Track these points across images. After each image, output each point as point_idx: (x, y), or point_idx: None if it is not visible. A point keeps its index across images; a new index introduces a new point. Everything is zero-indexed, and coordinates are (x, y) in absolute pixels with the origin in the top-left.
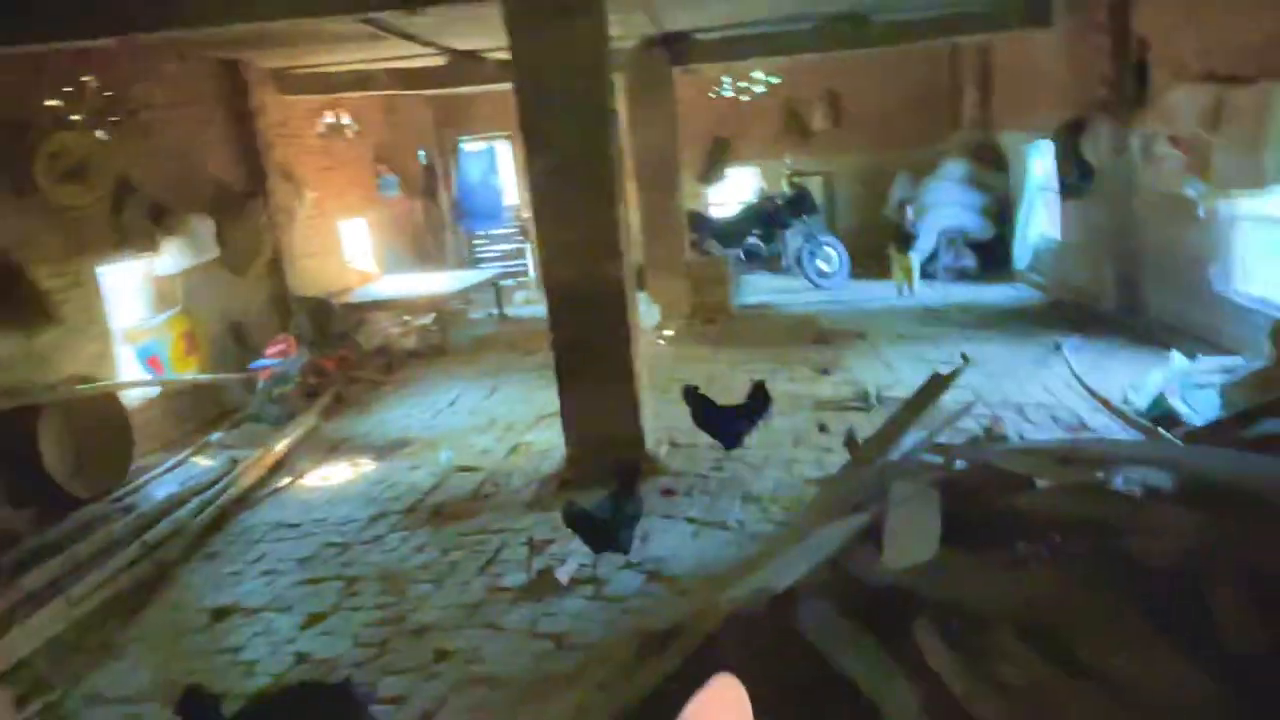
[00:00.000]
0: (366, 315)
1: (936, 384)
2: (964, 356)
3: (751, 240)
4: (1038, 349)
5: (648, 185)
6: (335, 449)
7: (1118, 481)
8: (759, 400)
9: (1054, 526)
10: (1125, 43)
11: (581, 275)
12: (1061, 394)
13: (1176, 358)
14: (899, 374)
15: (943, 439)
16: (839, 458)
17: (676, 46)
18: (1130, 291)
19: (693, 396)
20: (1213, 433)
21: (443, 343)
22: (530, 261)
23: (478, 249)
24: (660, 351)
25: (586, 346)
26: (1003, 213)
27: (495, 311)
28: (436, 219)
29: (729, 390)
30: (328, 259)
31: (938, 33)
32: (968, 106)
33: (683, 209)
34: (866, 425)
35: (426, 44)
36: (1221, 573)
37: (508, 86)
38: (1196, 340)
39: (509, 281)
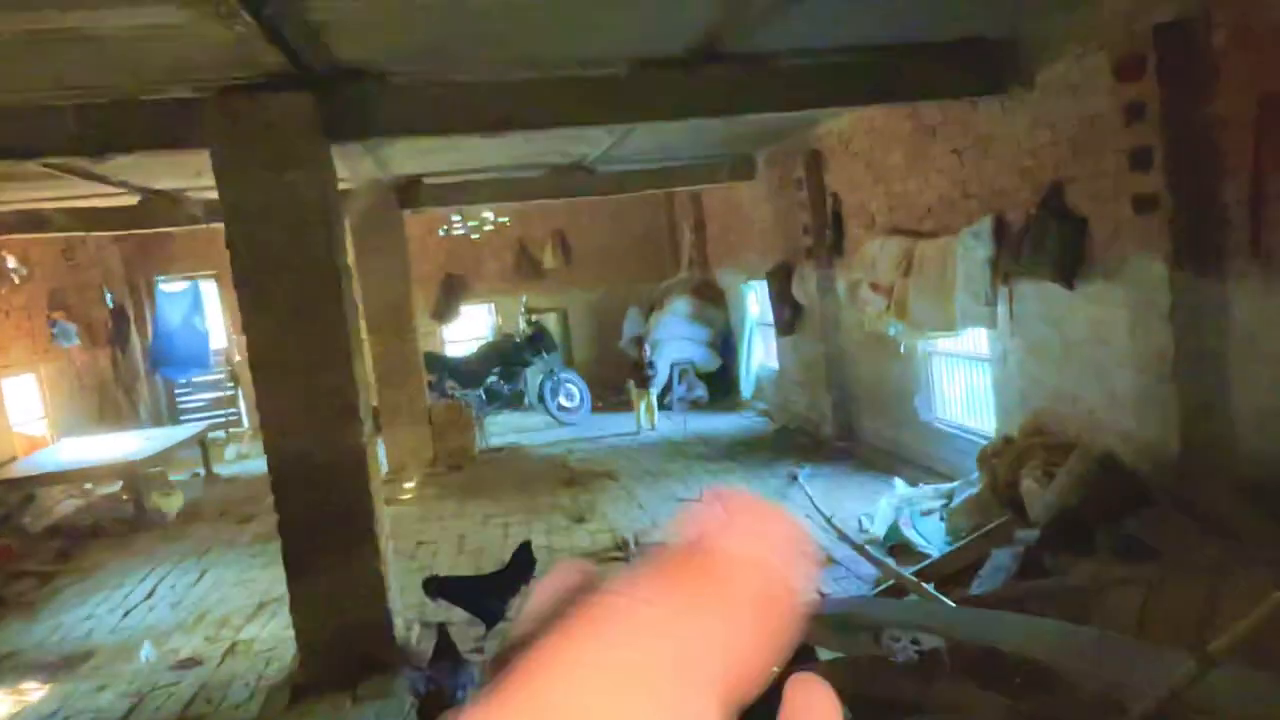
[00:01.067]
0: (35, 490)
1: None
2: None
3: (492, 380)
4: (775, 480)
5: (380, 329)
6: None
7: (892, 644)
8: (522, 563)
9: (845, 703)
10: (821, 198)
11: (313, 444)
12: (804, 526)
13: (899, 485)
14: (654, 515)
15: None
16: None
17: (405, 190)
18: (847, 419)
19: (437, 586)
20: (945, 563)
21: (135, 517)
22: (244, 409)
23: (181, 400)
24: (401, 511)
25: (321, 525)
26: (725, 345)
27: (202, 472)
28: (128, 370)
29: (484, 551)
30: None
31: (657, 183)
32: (685, 247)
33: (419, 352)
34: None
35: (116, 184)
36: None
37: (215, 225)
38: (911, 464)
39: (218, 434)
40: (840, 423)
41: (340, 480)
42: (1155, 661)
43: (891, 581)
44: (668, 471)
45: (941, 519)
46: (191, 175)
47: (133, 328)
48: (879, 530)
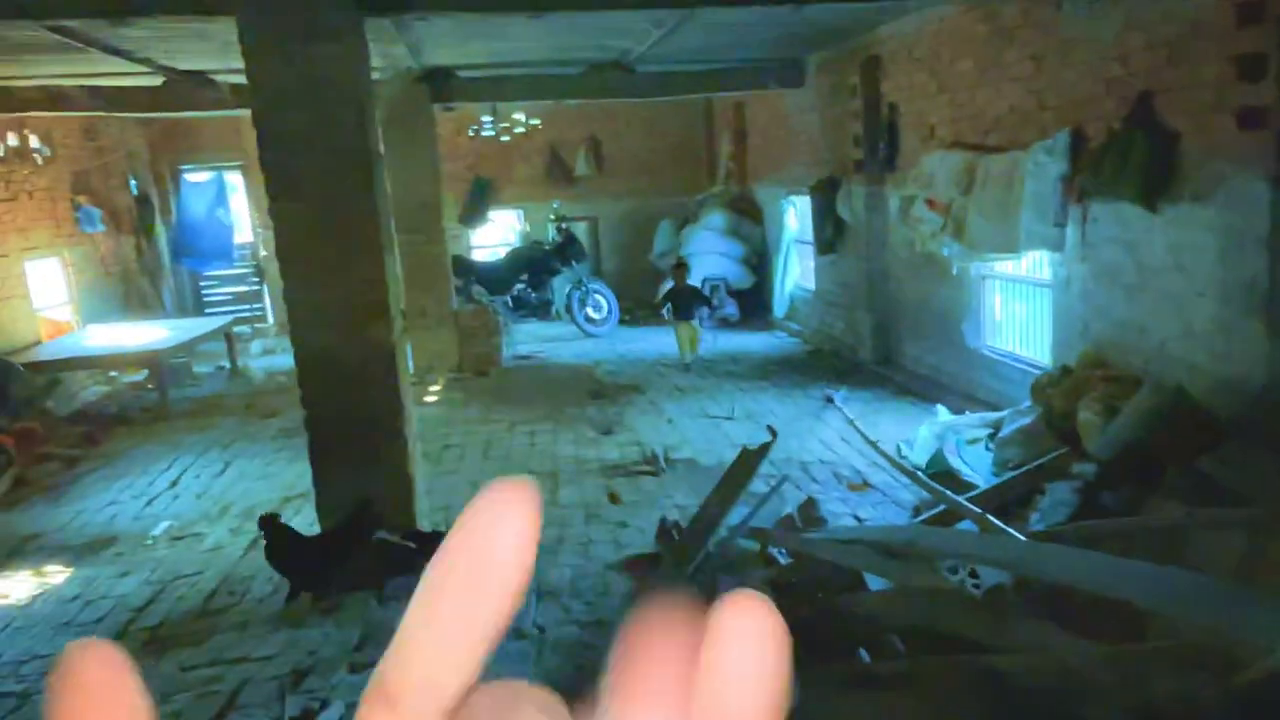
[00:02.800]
0: (60, 375)
1: (747, 461)
2: (770, 430)
3: (519, 287)
4: (809, 401)
5: (408, 229)
6: (15, 552)
7: (949, 576)
8: (361, 525)
9: (902, 636)
10: (876, 108)
11: (342, 341)
12: (840, 449)
13: (942, 411)
14: (683, 433)
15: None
16: (637, 534)
17: (438, 82)
18: (886, 344)
19: (271, 528)
20: (995, 494)
21: (161, 405)
22: (269, 306)
23: (204, 293)
24: (426, 413)
25: (349, 423)
26: (760, 263)
27: (227, 366)
28: (153, 259)
29: (510, 458)
30: (8, 306)
31: (699, 87)
32: (723, 159)
33: (447, 254)
34: (658, 491)
35: (139, 61)
36: (1104, 700)
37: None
38: (953, 392)
39: (243, 329)
40: (879, 346)
41: (370, 379)
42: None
43: (938, 509)
44: (698, 388)
45: (988, 449)
46: (218, 55)
47: (157, 216)
48: (919, 458)
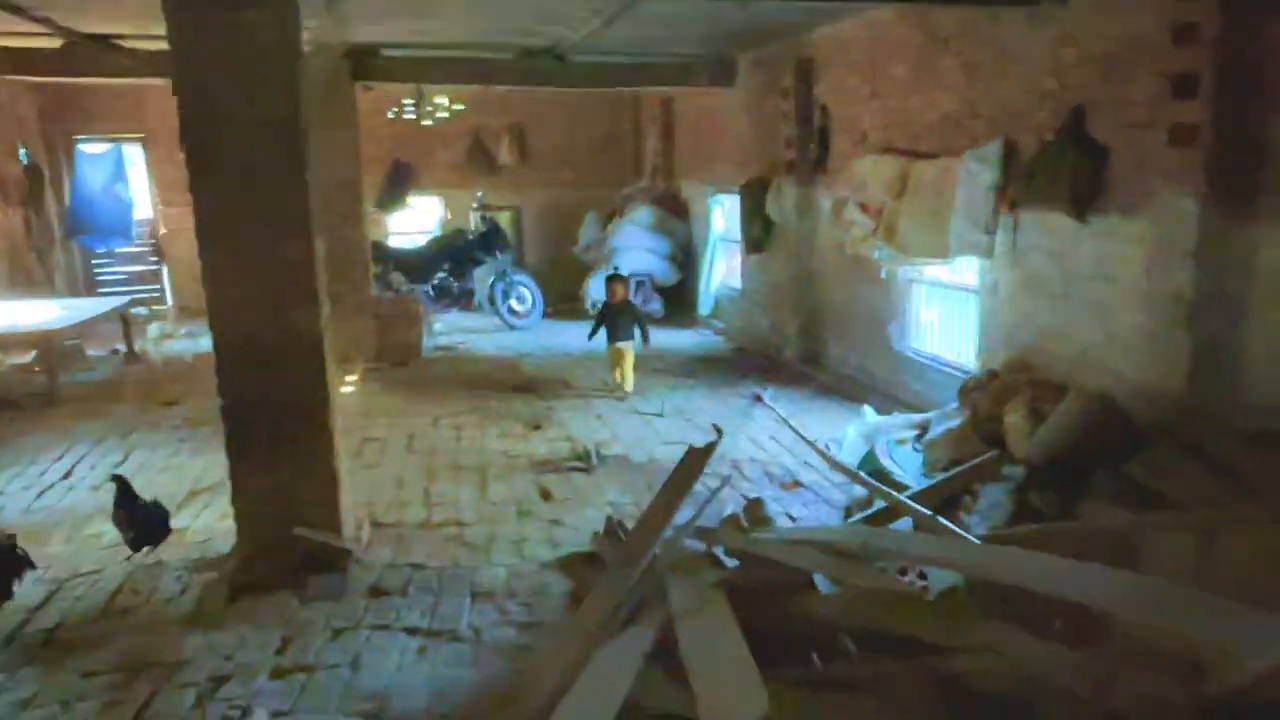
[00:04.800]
0: None
1: (694, 460)
2: (716, 429)
3: (441, 276)
4: (737, 399)
5: (326, 211)
6: None
7: (896, 577)
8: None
9: (856, 639)
10: (809, 110)
11: (264, 326)
12: (771, 448)
13: (869, 412)
14: (614, 429)
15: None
16: (571, 532)
17: (360, 60)
18: (812, 344)
19: (119, 485)
20: (927, 496)
21: (51, 390)
22: (168, 287)
23: (99, 272)
24: (344, 404)
25: (270, 413)
26: (685, 260)
27: (122, 349)
28: (44, 234)
29: (435, 452)
30: None
31: (630, 80)
32: (650, 154)
33: (366, 238)
34: (590, 488)
35: (39, 21)
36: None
37: (145, 81)
38: (878, 393)
39: (140, 311)
40: (804, 347)
41: (293, 366)
42: (1245, 619)
43: (874, 509)
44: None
45: (915, 450)
46: (131, 18)
47: (48, 189)
48: (849, 457)
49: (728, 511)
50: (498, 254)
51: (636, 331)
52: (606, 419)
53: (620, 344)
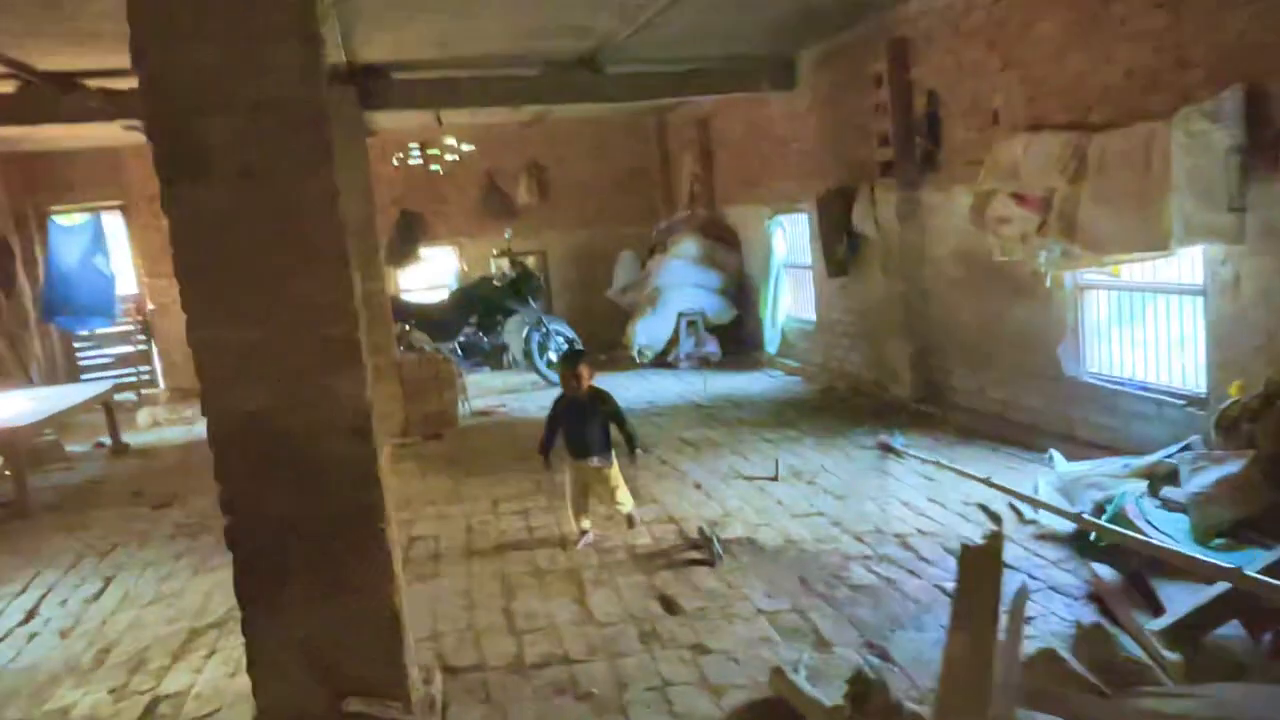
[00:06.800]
0: None
1: (982, 567)
2: (989, 513)
3: (468, 331)
4: (859, 451)
5: None
6: None
7: None
8: None
9: None
10: (908, 98)
11: (284, 400)
12: (935, 514)
13: (1058, 460)
14: (722, 501)
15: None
16: (729, 664)
17: (368, 84)
18: (928, 377)
19: None
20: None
21: (19, 499)
22: (158, 367)
23: (81, 356)
24: None
25: (297, 529)
26: (739, 293)
27: (107, 442)
28: (13, 317)
29: (506, 552)
30: None
31: (675, 89)
32: (685, 181)
33: (385, 291)
34: (725, 589)
35: None
36: None
37: (116, 135)
38: (1042, 433)
39: (126, 397)
40: (920, 381)
41: (331, 458)
42: None
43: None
44: (713, 441)
45: (1156, 505)
46: (88, 47)
47: (19, 267)
48: (1048, 521)
49: (1023, 646)
50: (530, 301)
51: (608, 439)
52: (708, 488)
53: (589, 461)
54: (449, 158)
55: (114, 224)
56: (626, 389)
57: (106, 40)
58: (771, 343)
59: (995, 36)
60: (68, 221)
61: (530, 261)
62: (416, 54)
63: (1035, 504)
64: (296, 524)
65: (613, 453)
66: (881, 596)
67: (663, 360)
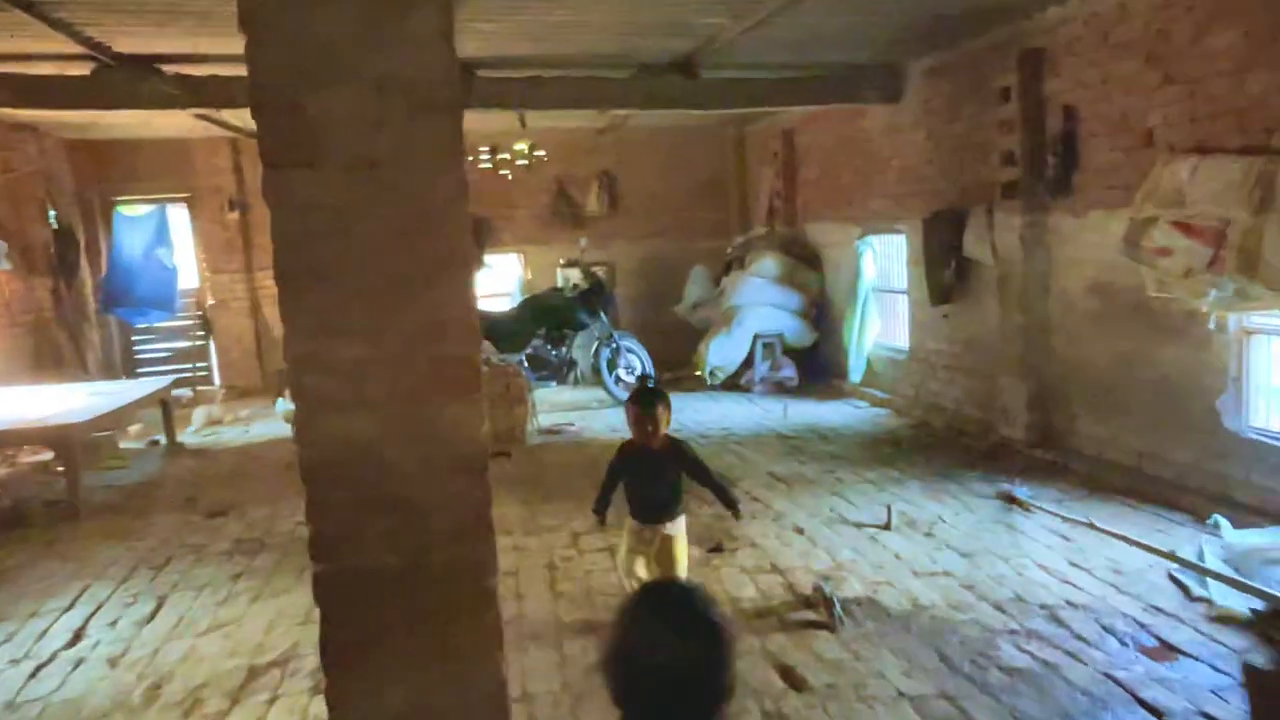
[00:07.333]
0: None
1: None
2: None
3: (536, 343)
4: (976, 500)
5: None
6: None
7: None
8: None
9: None
10: (1040, 114)
11: (392, 430)
12: (1082, 580)
13: (1226, 527)
14: (829, 549)
15: None
16: None
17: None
18: (1047, 419)
19: None
20: None
21: (70, 500)
22: (215, 365)
23: (138, 349)
24: None
25: (396, 580)
26: (819, 316)
27: (163, 440)
28: (74, 307)
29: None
30: None
31: (774, 99)
32: (766, 196)
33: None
34: (850, 659)
35: (60, 30)
36: None
37: (186, 124)
38: (1191, 492)
39: (184, 393)
40: (1038, 424)
41: (438, 497)
42: None
43: None
44: (806, 478)
45: None
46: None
47: (83, 256)
48: (1224, 599)
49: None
50: (602, 315)
51: (679, 499)
52: (811, 534)
53: (657, 526)
54: (519, 163)
55: (179, 216)
56: (697, 412)
57: (187, 20)
58: (855, 370)
59: (1155, 49)
60: (132, 212)
61: (601, 273)
62: (508, 49)
63: (1230, 582)
64: (398, 576)
65: (683, 518)
66: (1043, 685)
67: (734, 383)
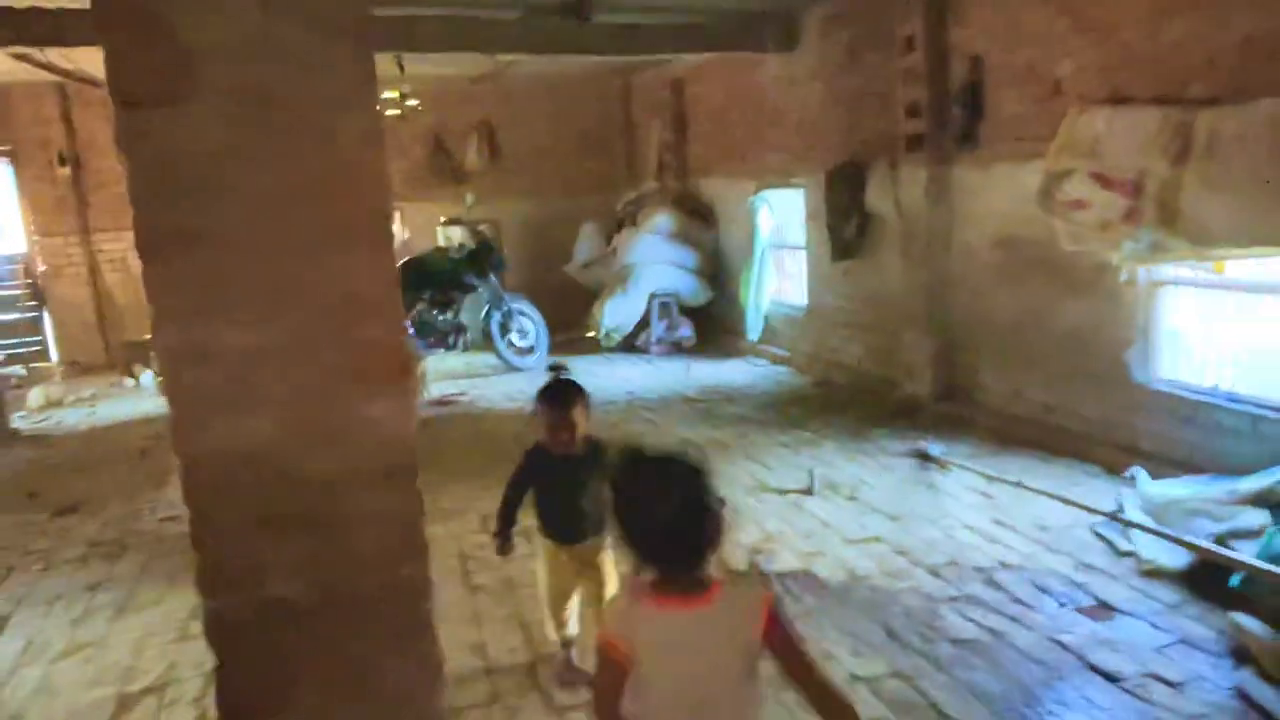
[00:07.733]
0: None
1: None
2: None
3: (420, 308)
4: (893, 460)
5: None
6: None
7: None
8: None
9: None
10: (945, 64)
11: (293, 434)
12: (1008, 539)
13: (1143, 478)
14: (758, 519)
15: None
16: None
17: None
18: (952, 375)
19: None
20: None
21: None
22: (50, 339)
23: None
24: None
25: (308, 619)
26: (714, 274)
27: None
28: None
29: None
30: None
31: (669, 45)
32: (655, 149)
33: None
34: None
35: None
36: None
37: (2, 65)
38: (1098, 442)
39: (13, 372)
40: (942, 380)
41: (357, 513)
42: None
43: None
44: (721, 444)
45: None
46: None
47: None
48: (1151, 553)
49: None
50: (491, 277)
51: (602, 514)
52: (734, 503)
53: (580, 545)
54: (390, 112)
55: (1, 174)
56: (597, 377)
57: None
58: (753, 329)
59: None
60: None
61: (488, 231)
62: None
63: (1169, 538)
64: (313, 610)
65: (604, 536)
66: (994, 655)
67: (631, 344)
